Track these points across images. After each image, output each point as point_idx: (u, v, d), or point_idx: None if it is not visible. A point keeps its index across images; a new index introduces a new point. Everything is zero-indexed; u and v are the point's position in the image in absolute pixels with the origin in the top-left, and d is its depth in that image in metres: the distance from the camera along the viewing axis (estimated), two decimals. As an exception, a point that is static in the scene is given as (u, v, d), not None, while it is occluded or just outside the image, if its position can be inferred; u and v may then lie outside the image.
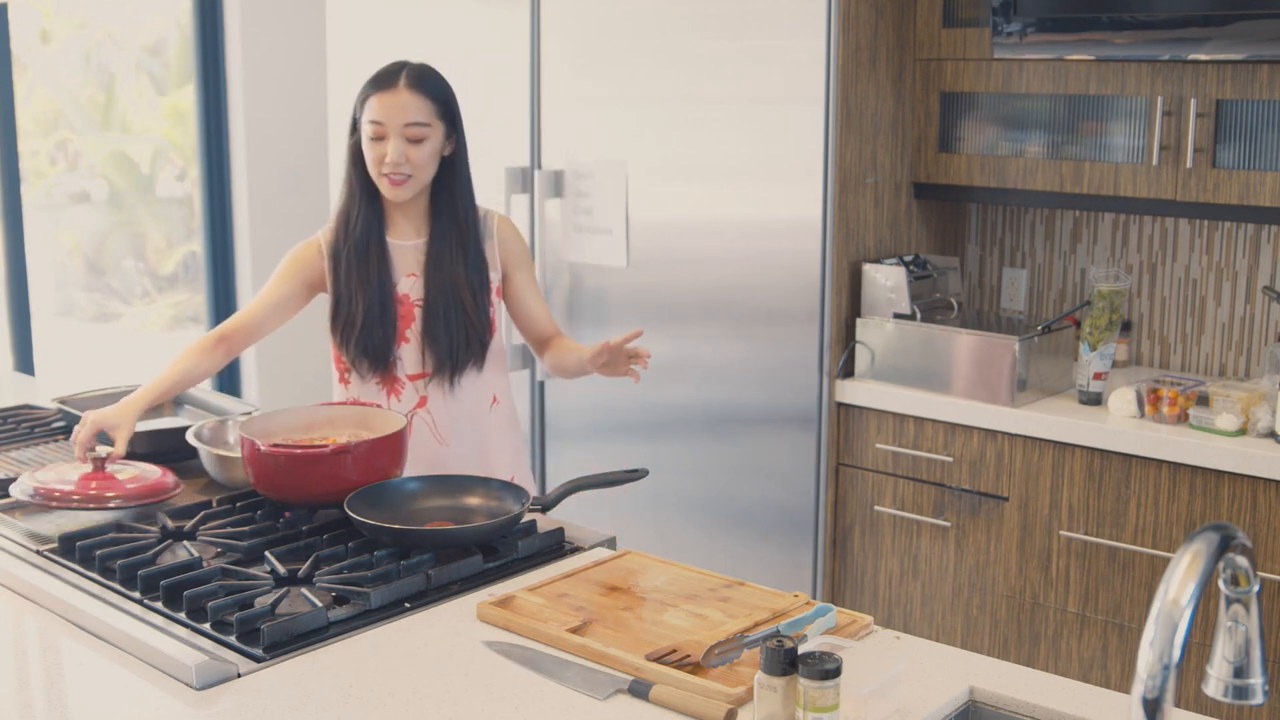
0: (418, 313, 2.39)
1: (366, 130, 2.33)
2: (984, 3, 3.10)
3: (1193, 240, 3.20)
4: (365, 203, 2.39)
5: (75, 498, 2.09)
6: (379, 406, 2.37)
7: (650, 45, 3.31)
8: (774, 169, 3.15)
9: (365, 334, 2.37)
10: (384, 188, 2.35)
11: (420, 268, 2.40)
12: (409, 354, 2.40)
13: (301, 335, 4.70)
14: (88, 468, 2.15)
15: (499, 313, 2.48)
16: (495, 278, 2.45)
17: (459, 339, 2.38)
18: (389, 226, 2.42)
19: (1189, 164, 2.85)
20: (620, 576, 1.90)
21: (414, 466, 2.39)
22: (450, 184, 2.39)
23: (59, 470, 2.17)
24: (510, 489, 2.10)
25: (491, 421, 2.47)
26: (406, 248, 2.41)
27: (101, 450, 2.18)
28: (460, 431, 2.44)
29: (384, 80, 2.33)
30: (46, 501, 2.08)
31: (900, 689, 1.53)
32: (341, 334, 2.40)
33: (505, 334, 2.52)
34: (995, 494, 3.00)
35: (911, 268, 3.19)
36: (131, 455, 2.39)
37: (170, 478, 2.20)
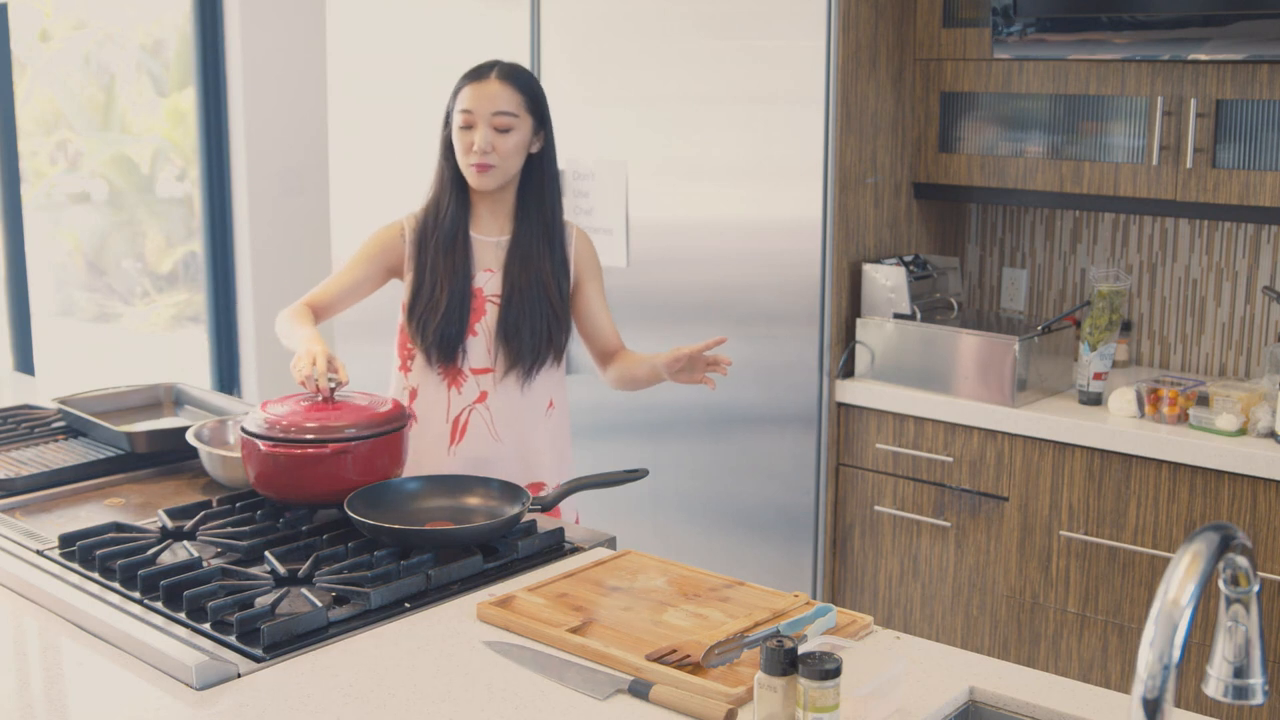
0: (490, 308, 2.41)
1: (457, 120, 2.38)
2: (984, 3, 3.10)
3: (1193, 240, 3.20)
4: (454, 194, 2.43)
5: (306, 434, 2.06)
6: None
7: (651, 45, 3.31)
8: (774, 169, 3.15)
9: (445, 323, 2.38)
10: (470, 176, 2.38)
11: (499, 264, 2.42)
12: (475, 347, 2.41)
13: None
14: (301, 403, 2.14)
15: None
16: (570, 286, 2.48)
17: (542, 335, 2.39)
18: (473, 220, 2.45)
19: (1189, 164, 2.85)
20: (620, 576, 1.90)
21: (466, 461, 2.40)
22: (540, 181, 2.43)
23: (284, 405, 2.14)
24: (510, 489, 2.10)
25: (545, 426, 2.47)
26: (487, 243, 2.44)
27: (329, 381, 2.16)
28: (515, 430, 2.44)
29: (477, 73, 2.40)
30: (284, 434, 2.05)
31: (900, 689, 1.53)
32: (420, 321, 2.41)
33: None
34: (995, 494, 3.00)
35: (911, 268, 3.19)
36: (132, 455, 2.40)
37: (396, 408, 2.18)
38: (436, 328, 2.39)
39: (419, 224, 2.46)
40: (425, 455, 2.44)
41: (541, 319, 2.39)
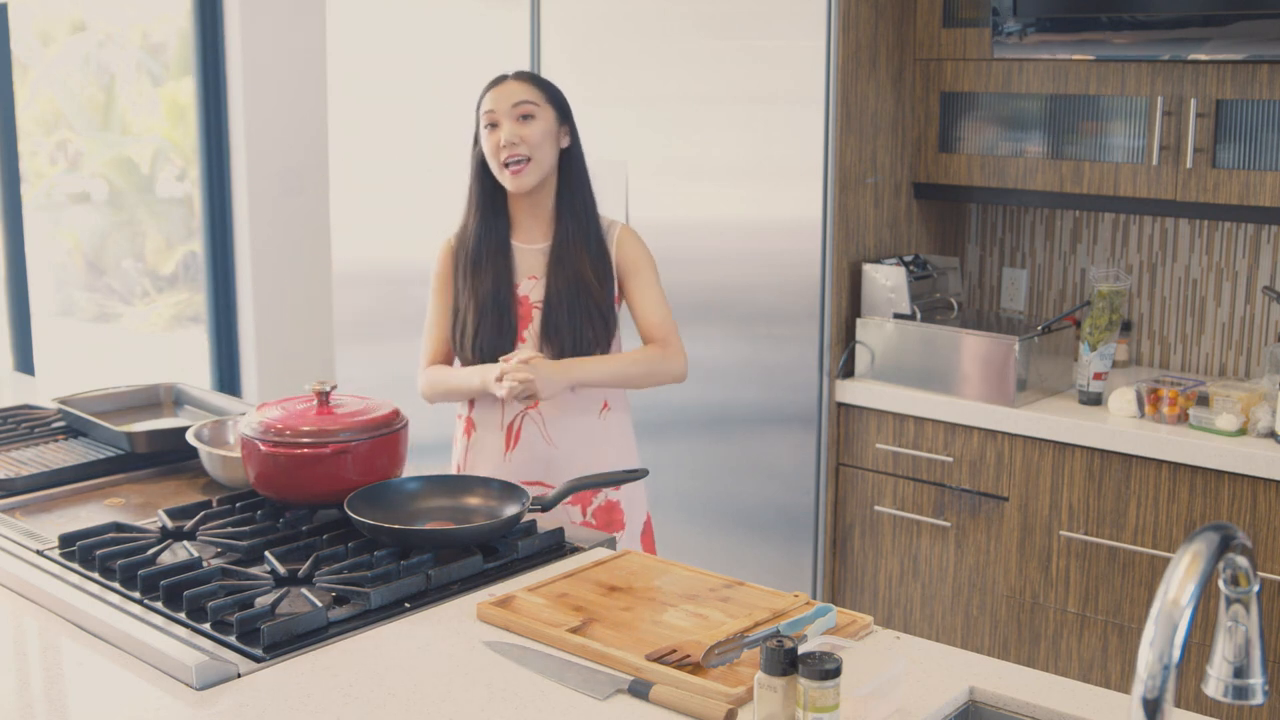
0: (536, 314, 2.42)
1: (483, 124, 2.41)
2: (984, 3, 3.10)
3: (1193, 240, 3.20)
4: (486, 211, 2.46)
5: (305, 435, 2.06)
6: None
7: (651, 45, 3.31)
8: (774, 169, 3.15)
9: (477, 338, 2.42)
10: (505, 179, 2.40)
11: (542, 270, 2.44)
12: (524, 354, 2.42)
13: (301, 334, 4.71)
14: (311, 404, 2.14)
15: (619, 319, 2.50)
16: (614, 283, 2.48)
17: (582, 335, 2.39)
18: (515, 230, 2.47)
19: (1189, 164, 2.85)
20: (620, 576, 1.90)
21: (523, 467, 2.42)
22: (570, 179, 2.45)
23: (283, 406, 2.15)
24: (510, 489, 2.10)
25: (600, 427, 2.46)
26: (532, 251, 2.46)
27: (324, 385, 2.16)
28: (568, 433, 2.44)
29: (495, 79, 2.45)
30: (283, 434, 2.05)
31: (900, 689, 1.53)
32: (459, 339, 2.46)
33: (624, 343, 2.53)
34: (995, 494, 3.00)
35: (911, 268, 3.19)
36: (132, 455, 2.40)
37: (393, 408, 2.18)
38: (471, 345, 2.43)
39: (456, 243, 2.50)
40: (483, 462, 2.47)
41: (582, 319, 2.39)
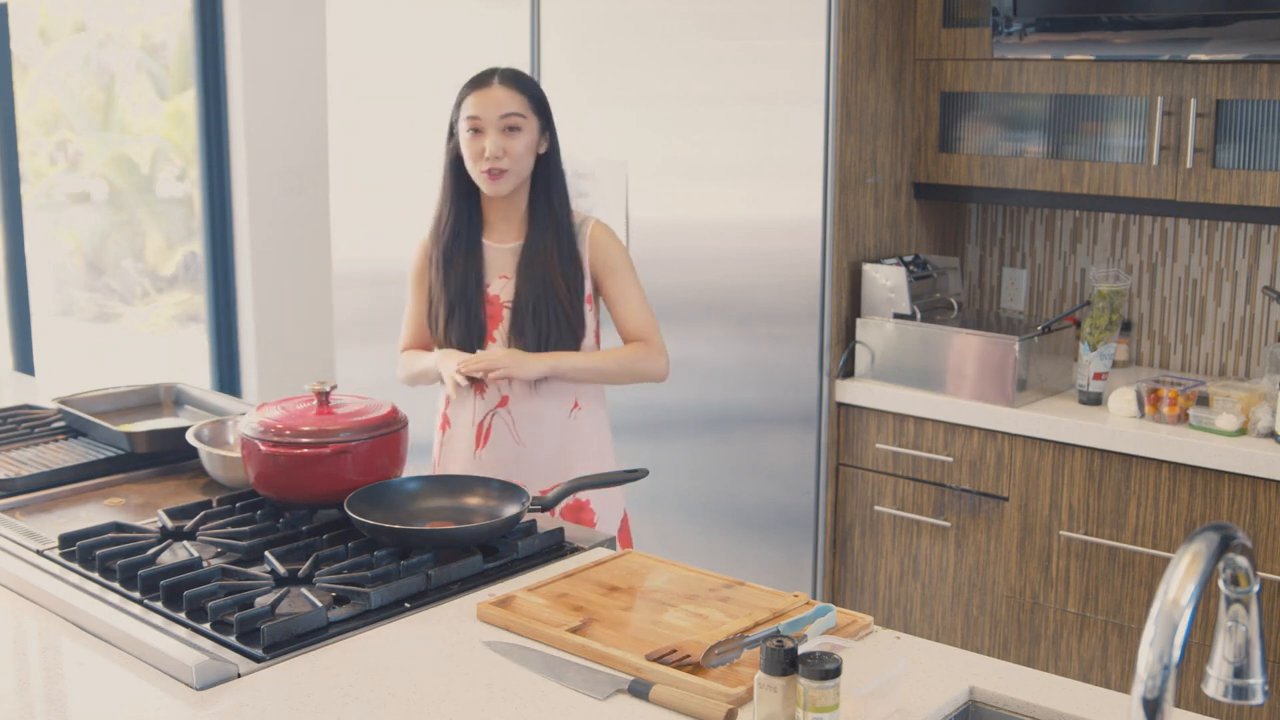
0: (506, 313, 2.43)
1: (464, 127, 2.39)
2: (984, 3, 3.10)
3: (1193, 240, 3.20)
4: (459, 207, 2.45)
5: (305, 435, 2.06)
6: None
7: (651, 45, 3.31)
8: (774, 169, 3.15)
9: (448, 334, 2.43)
10: (483, 184, 2.39)
11: (513, 270, 2.43)
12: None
13: (301, 334, 4.71)
14: (311, 404, 2.14)
15: (592, 318, 2.49)
16: (587, 284, 2.47)
17: (548, 331, 2.39)
18: (487, 229, 2.47)
19: (1189, 164, 2.85)
20: (620, 576, 1.90)
21: (492, 465, 2.42)
22: (547, 182, 2.44)
23: (283, 406, 2.15)
24: (510, 489, 2.10)
25: (572, 427, 2.46)
26: (503, 250, 2.45)
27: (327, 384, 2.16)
28: (538, 433, 2.45)
29: (479, 80, 2.41)
30: (284, 434, 2.05)
31: (900, 689, 1.53)
32: (433, 331, 2.48)
33: (598, 343, 2.53)
34: (995, 494, 3.00)
35: (911, 268, 3.19)
36: (132, 455, 2.40)
37: (393, 408, 2.18)
38: (445, 338, 2.44)
39: (430, 237, 2.50)
40: (455, 459, 2.48)
41: (547, 320, 2.39)
